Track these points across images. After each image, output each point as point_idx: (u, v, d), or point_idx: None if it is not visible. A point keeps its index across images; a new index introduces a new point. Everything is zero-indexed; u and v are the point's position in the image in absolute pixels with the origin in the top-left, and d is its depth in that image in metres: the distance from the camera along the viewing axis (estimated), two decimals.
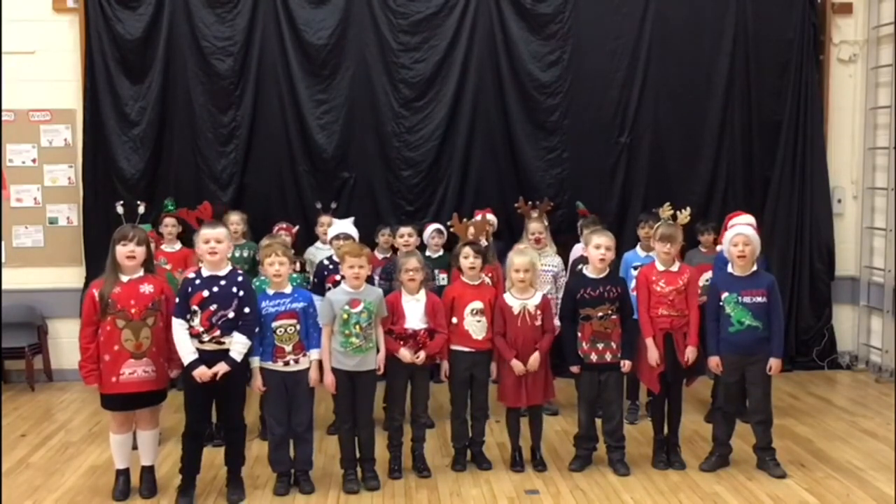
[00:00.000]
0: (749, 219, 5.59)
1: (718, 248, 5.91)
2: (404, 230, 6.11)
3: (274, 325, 4.60)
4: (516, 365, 4.86)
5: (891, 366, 7.11)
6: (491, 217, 6.44)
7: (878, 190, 7.39)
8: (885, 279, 7.21)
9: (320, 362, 4.69)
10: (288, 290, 4.71)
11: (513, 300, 4.94)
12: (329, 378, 4.68)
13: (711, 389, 5.82)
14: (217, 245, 4.47)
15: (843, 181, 7.61)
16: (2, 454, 5.26)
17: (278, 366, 4.63)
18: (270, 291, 4.68)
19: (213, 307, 4.42)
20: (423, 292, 4.94)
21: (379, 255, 6.30)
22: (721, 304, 4.91)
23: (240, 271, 4.64)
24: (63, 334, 7.04)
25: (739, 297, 4.85)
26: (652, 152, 7.24)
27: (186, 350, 4.41)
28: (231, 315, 4.44)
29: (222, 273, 4.50)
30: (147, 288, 4.48)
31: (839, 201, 7.58)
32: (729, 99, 7.27)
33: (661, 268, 5.04)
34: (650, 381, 5.04)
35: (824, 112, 7.45)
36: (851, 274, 7.63)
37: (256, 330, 4.55)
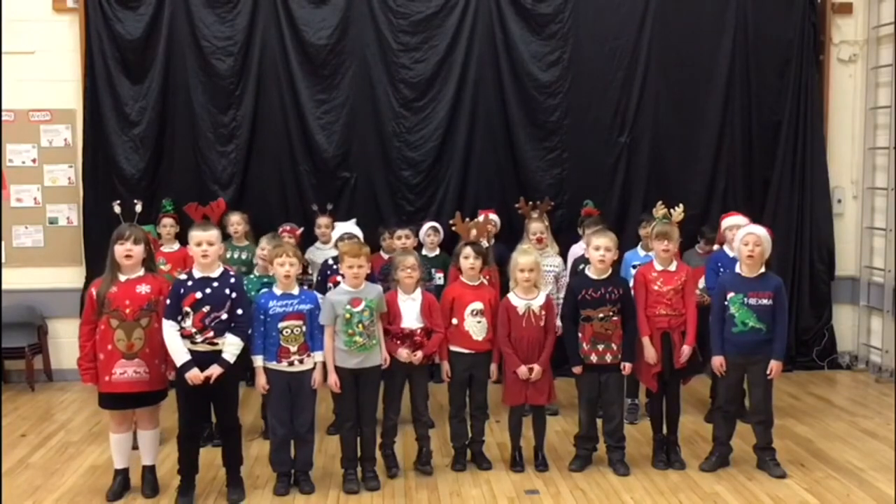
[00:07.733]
0: (743, 219, 5.62)
1: (715, 247, 5.93)
2: (401, 232, 6.13)
3: (280, 325, 4.60)
4: (522, 372, 4.85)
5: (891, 366, 7.11)
6: (494, 217, 6.45)
7: (878, 190, 7.39)
8: (885, 279, 7.21)
9: (325, 364, 4.69)
10: (295, 290, 4.71)
11: (518, 300, 4.93)
12: (333, 378, 4.67)
13: (710, 389, 5.82)
14: (209, 247, 4.45)
15: (843, 181, 7.61)
16: (2, 454, 5.25)
17: (282, 366, 4.62)
18: (278, 291, 4.68)
19: (206, 308, 4.41)
20: (418, 291, 4.93)
21: (384, 256, 6.32)
22: (726, 303, 4.88)
23: (232, 272, 4.62)
24: (63, 334, 7.03)
25: (745, 299, 4.82)
26: (652, 152, 7.24)
27: (179, 351, 4.39)
28: (224, 316, 4.44)
29: (215, 274, 4.49)
30: (144, 288, 4.47)
31: (839, 201, 7.57)
32: (729, 99, 7.27)
33: (659, 267, 5.03)
34: (648, 380, 5.05)
35: (824, 112, 7.45)
36: (851, 274, 7.62)
37: (249, 331, 4.54)
